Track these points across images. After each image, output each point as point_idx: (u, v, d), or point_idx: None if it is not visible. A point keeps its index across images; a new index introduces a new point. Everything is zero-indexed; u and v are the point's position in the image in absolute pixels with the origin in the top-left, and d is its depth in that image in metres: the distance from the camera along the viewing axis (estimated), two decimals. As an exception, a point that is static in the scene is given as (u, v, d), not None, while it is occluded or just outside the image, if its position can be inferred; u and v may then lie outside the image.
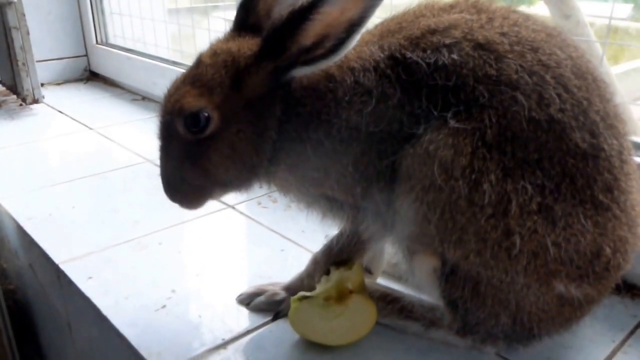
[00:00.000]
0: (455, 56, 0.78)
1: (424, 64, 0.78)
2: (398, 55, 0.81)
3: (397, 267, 1.09)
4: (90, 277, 1.08)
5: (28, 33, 2.09)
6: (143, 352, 0.89)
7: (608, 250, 0.78)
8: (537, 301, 0.80)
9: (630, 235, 0.81)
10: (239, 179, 0.89)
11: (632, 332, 0.95)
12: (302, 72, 0.82)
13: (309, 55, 0.79)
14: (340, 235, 0.96)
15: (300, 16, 0.76)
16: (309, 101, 0.83)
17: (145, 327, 0.95)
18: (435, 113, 0.78)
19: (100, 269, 1.12)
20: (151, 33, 2.35)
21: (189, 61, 2.17)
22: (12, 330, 1.53)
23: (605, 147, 0.78)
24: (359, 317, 0.91)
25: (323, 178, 0.86)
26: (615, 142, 0.79)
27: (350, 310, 0.91)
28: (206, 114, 0.82)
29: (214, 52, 0.86)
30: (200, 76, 0.84)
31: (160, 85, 2.35)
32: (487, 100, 0.76)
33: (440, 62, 0.78)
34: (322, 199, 0.90)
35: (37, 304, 1.44)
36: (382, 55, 0.82)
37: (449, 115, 0.77)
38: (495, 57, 0.77)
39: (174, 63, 2.17)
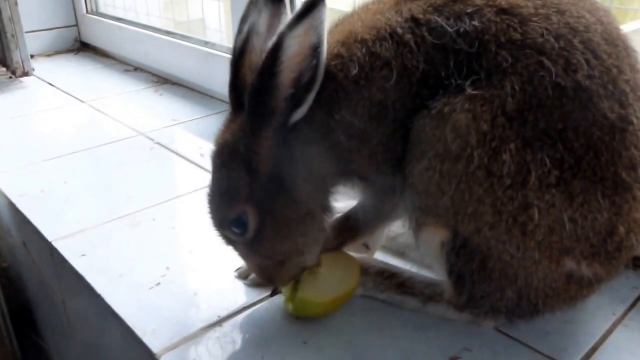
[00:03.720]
0: (476, 22, 0.74)
1: (448, 29, 0.75)
2: (420, 16, 0.77)
3: (396, 241, 1.07)
4: (83, 255, 1.07)
5: (16, 3, 2.03)
6: (137, 330, 0.88)
7: (622, 230, 0.76)
8: (545, 278, 0.77)
9: None
10: (307, 237, 0.87)
11: (633, 305, 0.93)
12: (298, 115, 0.79)
13: (296, 98, 0.77)
14: (355, 212, 0.94)
15: (269, 75, 0.75)
16: (326, 85, 0.80)
17: (140, 305, 0.94)
18: (459, 81, 0.74)
19: (93, 246, 1.10)
20: (142, 1, 2.29)
21: (181, 30, 2.13)
22: (7, 307, 1.52)
23: (634, 120, 0.74)
24: (344, 261, 0.92)
25: (356, 159, 0.83)
26: None
27: (332, 262, 0.92)
28: (242, 215, 0.82)
29: (217, 148, 0.85)
30: (221, 180, 0.84)
31: (152, 55, 2.32)
32: (511, 66, 0.72)
33: (462, 30, 0.75)
34: (356, 178, 0.88)
35: (31, 281, 1.43)
36: (399, 19, 0.79)
37: (467, 83, 0.73)
38: (519, 21, 0.74)
39: (167, 32, 2.13)
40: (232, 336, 0.88)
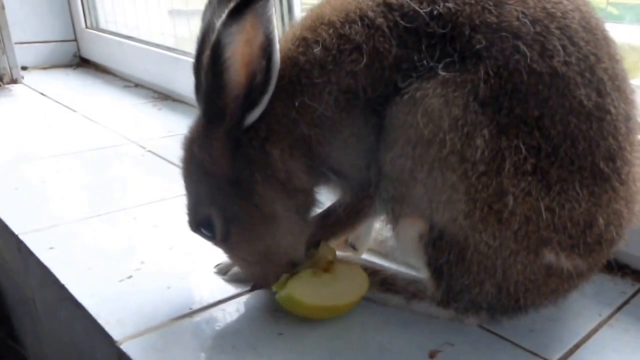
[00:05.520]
0: (450, 4, 0.72)
1: (421, 12, 0.72)
2: (393, 0, 0.75)
3: (384, 245, 1.04)
4: (51, 248, 1.03)
5: (3, 8, 2.02)
6: (100, 320, 0.83)
7: (601, 222, 0.73)
8: (525, 270, 0.74)
9: (626, 210, 0.76)
10: (281, 239, 0.84)
11: (619, 308, 0.90)
12: (252, 117, 0.77)
13: (249, 99, 0.75)
14: (334, 208, 0.91)
15: (213, 74, 0.72)
16: (287, 71, 0.77)
17: (107, 297, 0.89)
18: (431, 63, 0.72)
19: (63, 240, 1.06)
20: (144, 17, 2.30)
21: (183, 46, 2.12)
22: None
23: (612, 109, 0.72)
24: (354, 277, 0.88)
25: (328, 152, 0.80)
26: (622, 106, 0.73)
27: (343, 275, 0.88)
28: (208, 218, 0.82)
29: (182, 148, 0.84)
30: (187, 183, 0.84)
31: (153, 71, 2.31)
32: (486, 50, 0.70)
33: (435, 12, 0.72)
34: (331, 173, 0.84)
35: (6, 284, 1.39)
36: (370, 3, 0.76)
37: (441, 65, 0.71)
38: (494, 3, 0.71)
39: (168, 48, 2.13)
40: (202, 327, 0.84)
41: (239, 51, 0.71)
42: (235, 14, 0.69)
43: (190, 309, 0.87)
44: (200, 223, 0.83)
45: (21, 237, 1.07)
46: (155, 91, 2.18)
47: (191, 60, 2.01)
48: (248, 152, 0.79)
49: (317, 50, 0.76)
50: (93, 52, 2.54)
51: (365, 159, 0.80)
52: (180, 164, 0.84)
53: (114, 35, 2.40)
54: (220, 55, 0.70)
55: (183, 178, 0.85)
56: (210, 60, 0.71)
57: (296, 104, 0.76)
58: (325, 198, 0.91)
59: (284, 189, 0.81)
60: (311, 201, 0.87)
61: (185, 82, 1.97)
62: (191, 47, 2.11)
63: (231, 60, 0.71)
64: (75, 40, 2.58)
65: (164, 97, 2.11)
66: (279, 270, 0.86)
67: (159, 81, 2.15)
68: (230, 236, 0.83)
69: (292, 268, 0.87)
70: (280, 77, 0.77)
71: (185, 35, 2.26)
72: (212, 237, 0.84)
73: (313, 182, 0.85)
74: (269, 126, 0.78)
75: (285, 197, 0.82)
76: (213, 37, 0.70)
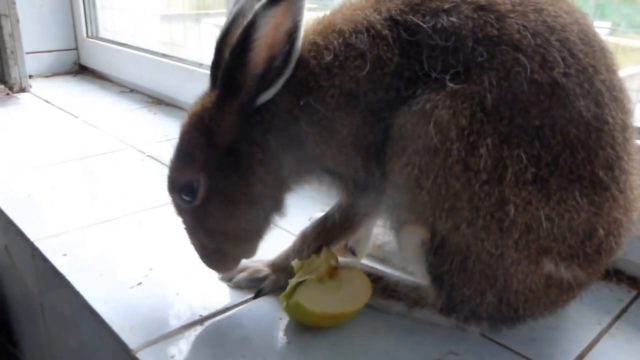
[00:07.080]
0: (453, 19, 0.75)
1: (424, 26, 0.76)
2: (399, 17, 0.78)
3: (382, 249, 1.06)
4: (65, 255, 1.05)
5: (18, 21, 2.07)
6: (115, 327, 0.85)
7: (601, 232, 0.75)
8: (525, 280, 0.76)
9: (626, 219, 0.78)
10: (251, 224, 0.88)
11: (618, 316, 0.92)
12: (265, 97, 0.81)
13: (266, 80, 0.79)
14: (332, 213, 0.93)
15: (240, 50, 0.77)
16: (297, 71, 0.81)
17: (119, 303, 0.91)
18: (434, 74, 0.75)
19: (76, 247, 1.08)
20: (142, 25, 2.33)
21: (179, 52, 2.16)
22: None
23: (610, 119, 0.74)
24: (358, 283, 0.90)
25: (324, 151, 0.83)
26: (620, 116, 0.76)
27: (347, 281, 0.90)
28: (194, 181, 0.84)
29: (187, 117, 0.87)
30: (181, 146, 0.87)
31: (147, 76, 2.34)
32: (488, 62, 0.73)
33: (439, 25, 0.75)
34: (325, 173, 0.87)
35: (11, 288, 1.40)
36: (378, 16, 0.80)
37: (447, 77, 0.74)
38: (496, 17, 0.74)
39: (162, 55, 2.16)
40: (213, 335, 0.86)
41: (266, 34, 0.76)
42: (274, 1, 0.74)
43: (200, 316, 0.90)
44: (183, 185, 0.85)
45: (36, 244, 1.09)
46: (149, 96, 2.22)
47: (183, 65, 2.05)
48: (254, 131, 0.83)
49: (328, 58, 0.80)
50: (92, 60, 2.57)
51: (363, 159, 0.82)
52: (181, 128, 0.87)
53: (112, 43, 2.43)
54: (252, 35, 0.76)
55: (180, 141, 0.87)
56: (240, 38, 0.77)
57: (301, 102, 0.80)
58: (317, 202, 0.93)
59: (274, 175, 0.85)
60: (282, 201, 0.89)
61: (178, 87, 2.02)
62: (183, 54, 2.12)
63: (259, 41, 0.77)
64: (76, 48, 2.61)
65: (157, 101, 2.15)
66: (229, 263, 0.92)
67: (153, 86, 2.19)
68: (207, 205, 0.85)
69: (238, 264, 0.93)
70: (291, 75, 0.81)
71: (180, 42, 2.29)
72: (189, 202, 0.86)
73: (296, 179, 0.89)
74: (273, 118, 0.82)
75: (272, 182, 0.86)
76: (249, 18, 0.76)
